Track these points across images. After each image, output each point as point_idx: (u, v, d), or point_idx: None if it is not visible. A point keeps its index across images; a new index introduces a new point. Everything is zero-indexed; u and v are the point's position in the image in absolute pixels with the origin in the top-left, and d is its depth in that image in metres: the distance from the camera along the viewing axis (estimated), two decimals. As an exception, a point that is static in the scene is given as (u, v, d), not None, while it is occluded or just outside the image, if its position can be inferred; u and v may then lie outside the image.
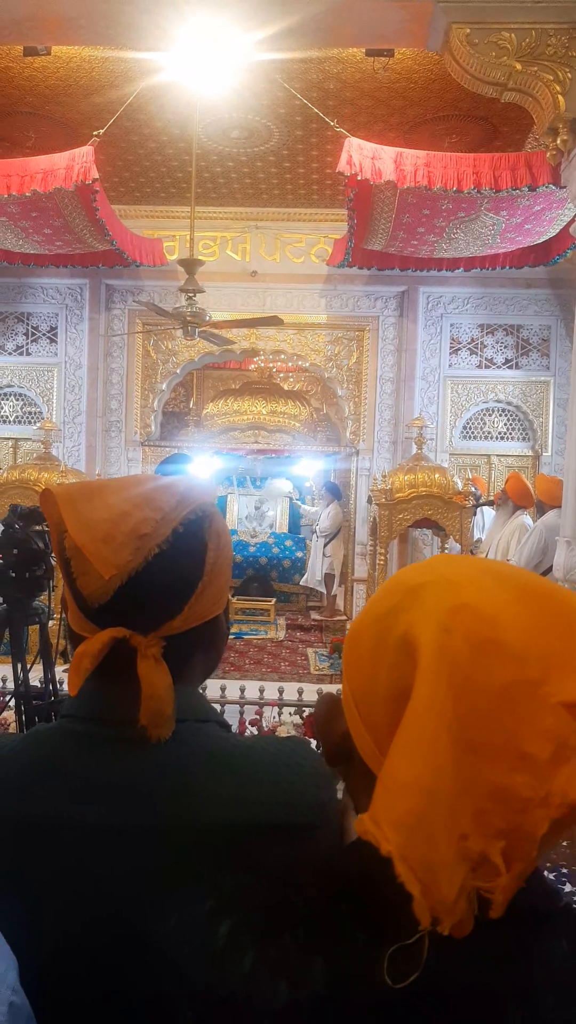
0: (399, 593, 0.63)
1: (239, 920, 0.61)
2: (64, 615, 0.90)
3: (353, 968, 0.55)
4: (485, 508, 7.67)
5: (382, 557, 6.83)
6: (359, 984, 0.55)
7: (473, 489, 6.91)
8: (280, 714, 4.50)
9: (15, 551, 2.39)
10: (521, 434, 8.57)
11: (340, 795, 0.85)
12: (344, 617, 8.97)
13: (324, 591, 9.41)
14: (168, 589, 0.83)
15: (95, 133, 5.54)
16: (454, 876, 0.50)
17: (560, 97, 4.08)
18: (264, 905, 0.62)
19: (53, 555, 2.43)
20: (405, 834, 0.50)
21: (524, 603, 0.58)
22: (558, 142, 4.25)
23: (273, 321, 6.55)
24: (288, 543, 10.74)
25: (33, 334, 8.66)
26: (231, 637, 7.39)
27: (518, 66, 4.11)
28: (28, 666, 2.59)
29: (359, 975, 0.55)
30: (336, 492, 9.34)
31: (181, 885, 0.67)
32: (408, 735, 0.53)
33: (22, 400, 8.78)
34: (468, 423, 8.57)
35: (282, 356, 8.91)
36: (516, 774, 0.52)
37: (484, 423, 8.60)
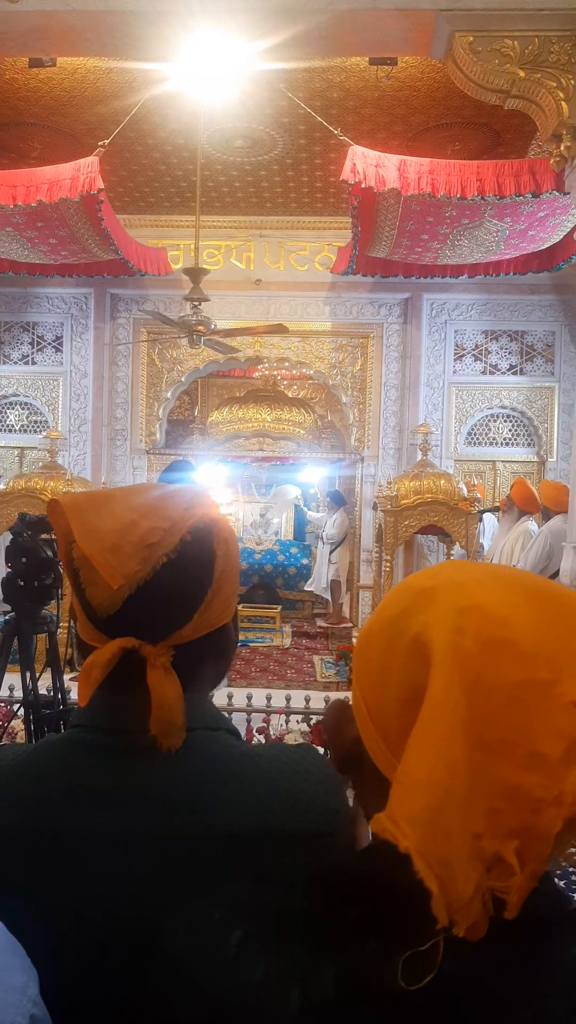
0: (409, 597, 0.63)
1: (250, 929, 0.61)
2: (72, 624, 0.89)
3: (365, 975, 0.55)
4: (488, 515, 7.65)
5: (388, 564, 6.82)
6: (371, 991, 0.54)
7: (477, 496, 6.91)
8: (287, 722, 4.48)
9: (24, 560, 2.38)
10: (526, 440, 8.56)
11: (350, 803, 0.85)
12: (350, 624, 8.95)
13: (330, 598, 9.39)
14: (177, 598, 0.83)
15: (100, 143, 5.58)
16: (470, 874, 0.50)
17: (563, 103, 4.10)
18: (275, 913, 0.62)
19: (62, 564, 2.43)
20: (422, 830, 0.50)
21: (534, 604, 0.58)
22: (562, 148, 4.27)
23: (278, 329, 6.57)
24: (293, 550, 10.72)
25: (39, 343, 8.70)
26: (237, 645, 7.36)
27: (521, 73, 4.13)
28: (37, 675, 2.58)
29: (371, 982, 0.54)
30: (340, 500, 9.32)
31: (192, 893, 0.67)
32: (423, 733, 0.53)
33: (28, 409, 8.82)
34: (473, 429, 8.57)
35: (287, 364, 8.93)
36: (528, 773, 0.52)
37: (489, 429, 8.60)
